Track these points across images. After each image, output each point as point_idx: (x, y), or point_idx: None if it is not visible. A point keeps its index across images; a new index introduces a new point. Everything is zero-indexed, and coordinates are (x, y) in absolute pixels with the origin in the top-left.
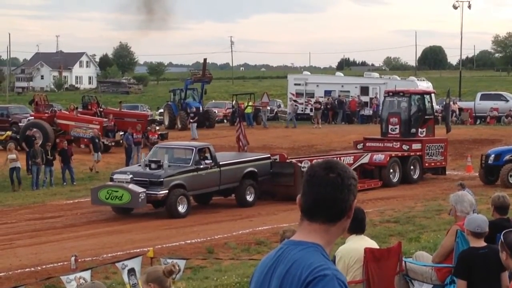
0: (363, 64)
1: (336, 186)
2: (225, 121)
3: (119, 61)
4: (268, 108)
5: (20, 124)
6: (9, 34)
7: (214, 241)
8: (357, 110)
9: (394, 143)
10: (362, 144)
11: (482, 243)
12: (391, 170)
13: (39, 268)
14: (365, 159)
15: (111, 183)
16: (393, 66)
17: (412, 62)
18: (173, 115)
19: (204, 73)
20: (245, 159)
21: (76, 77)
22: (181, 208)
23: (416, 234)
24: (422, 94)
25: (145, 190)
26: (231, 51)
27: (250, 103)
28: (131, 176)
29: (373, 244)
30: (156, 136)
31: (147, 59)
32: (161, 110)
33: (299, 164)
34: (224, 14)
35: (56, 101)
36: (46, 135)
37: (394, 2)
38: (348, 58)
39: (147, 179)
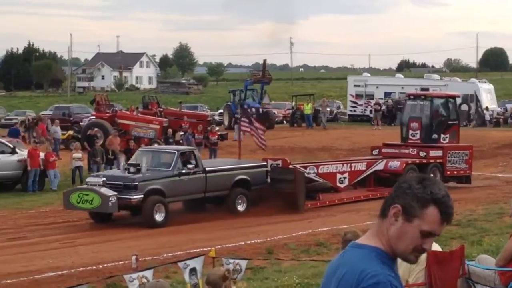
0: (423, 66)
1: None
2: (284, 122)
3: (179, 62)
4: (328, 109)
5: (81, 123)
6: (71, 35)
7: (274, 242)
8: None
9: (411, 149)
10: (377, 150)
11: None
12: None
13: (100, 266)
14: (380, 166)
15: (83, 186)
16: (454, 68)
17: (473, 64)
18: (233, 116)
19: (264, 74)
20: (237, 165)
21: (136, 77)
22: (158, 217)
23: (478, 237)
24: (446, 97)
25: (116, 193)
26: (291, 52)
27: (310, 104)
28: (103, 179)
29: (436, 247)
30: (216, 136)
31: (206, 60)
32: (221, 111)
33: (304, 170)
34: (283, 15)
35: (116, 101)
36: (107, 135)
37: (454, 3)
38: (408, 60)
39: (122, 183)
